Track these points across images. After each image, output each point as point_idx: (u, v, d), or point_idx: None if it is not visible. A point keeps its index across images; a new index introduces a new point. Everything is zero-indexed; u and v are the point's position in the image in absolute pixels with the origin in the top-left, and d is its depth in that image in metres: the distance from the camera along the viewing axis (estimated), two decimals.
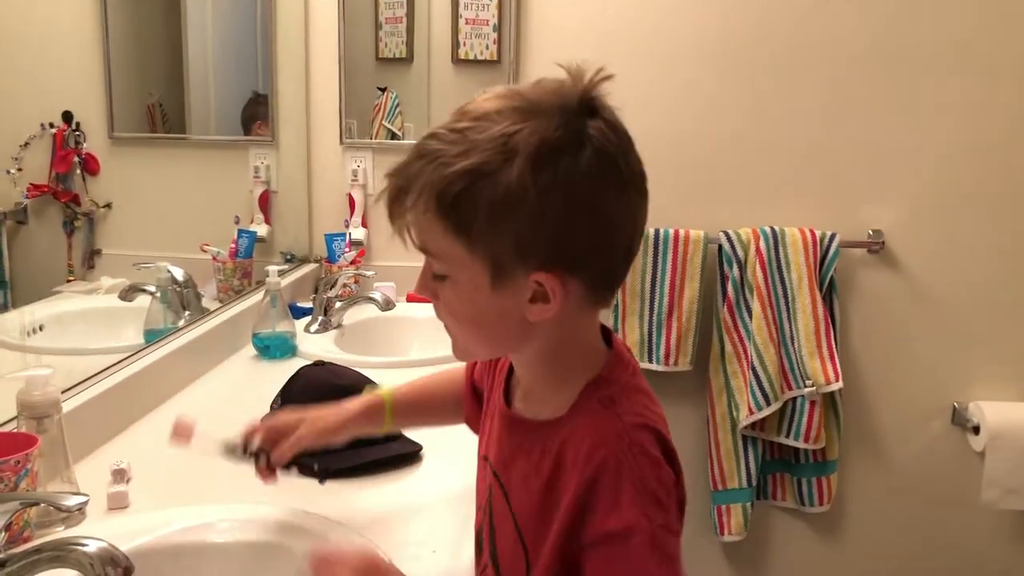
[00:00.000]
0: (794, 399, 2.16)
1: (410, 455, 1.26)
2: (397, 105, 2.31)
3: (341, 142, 2.30)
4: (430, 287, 0.79)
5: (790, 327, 2.16)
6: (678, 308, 2.19)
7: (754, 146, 2.23)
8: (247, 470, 1.07)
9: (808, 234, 2.16)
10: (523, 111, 0.72)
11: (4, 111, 1.30)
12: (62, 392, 1.14)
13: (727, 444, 2.24)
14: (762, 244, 2.15)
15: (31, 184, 1.34)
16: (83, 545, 0.76)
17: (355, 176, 2.30)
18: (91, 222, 1.46)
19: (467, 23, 2.23)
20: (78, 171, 1.43)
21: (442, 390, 1.09)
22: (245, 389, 1.61)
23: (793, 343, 2.15)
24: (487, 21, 2.22)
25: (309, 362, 1.53)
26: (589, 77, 0.74)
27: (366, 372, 1.43)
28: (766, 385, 2.13)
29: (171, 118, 1.83)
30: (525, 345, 0.79)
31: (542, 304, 0.74)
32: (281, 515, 1.04)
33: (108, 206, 1.49)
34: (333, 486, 1.17)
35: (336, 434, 1.04)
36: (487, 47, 2.23)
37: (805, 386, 2.14)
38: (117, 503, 1.11)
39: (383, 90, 2.31)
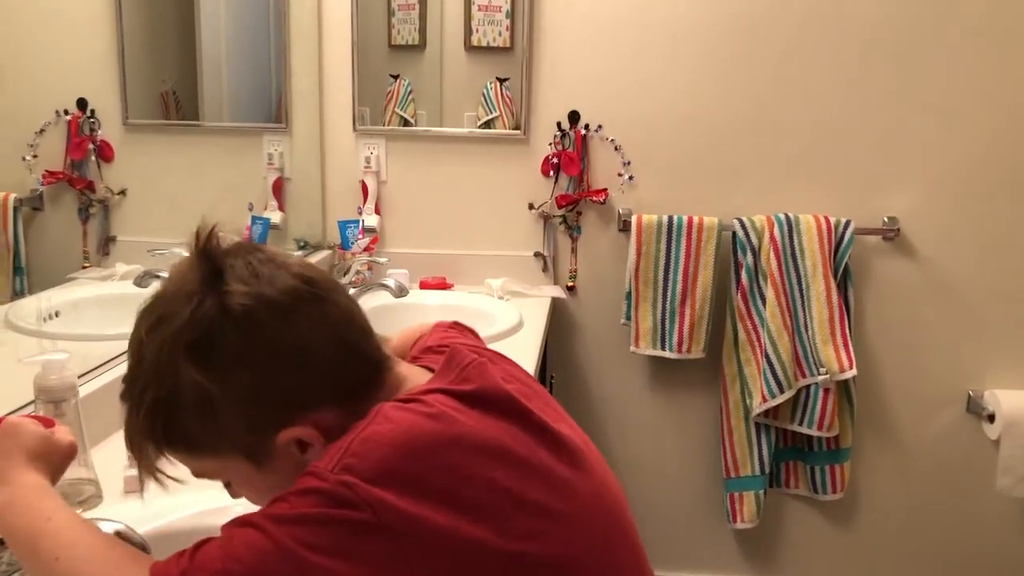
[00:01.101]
0: (808, 387, 2.15)
1: None
2: (410, 92, 2.30)
3: (354, 129, 2.30)
4: (231, 493, 0.81)
5: (804, 315, 2.14)
6: (691, 296, 2.18)
7: (769, 132, 2.21)
8: None
9: (823, 221, 2.14)
10: (159, 316, 0.72)
11: (20, 98, 1.30)
12: (78, 377, 1.15)
13: (740, 432, 2.24)
14: (776, 231, 2.14)
15: (46, 171, 1.34)
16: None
17: (368, 163, 2.29)
18: (106, 209, 1.46)
19: (480, 9, 2.22)
20: (93, 158, 1.44)
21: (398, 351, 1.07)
22: None
23: (807, 331, 2.14)
24: (500, 7, 2.20)
25: None
26: (198, 241, 0.73)
27: None
28: (780, 373, 2.12)
29: (184, 105, 1.83)
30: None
31: (311, 448, 0.73)
32: None
33: (123, 193, 1.49)
34: None
35: None
36: (500, 34, 2.22)
37: (819, 374, 2.12)
38: (133, 486, 1.11)
39: (395, 77, 2.30)
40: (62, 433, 0.83)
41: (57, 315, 1.38)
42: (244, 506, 1.02)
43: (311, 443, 0.73)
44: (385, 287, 2.01)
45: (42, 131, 1.32)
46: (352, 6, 2.23)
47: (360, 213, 2.30)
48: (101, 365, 1.33)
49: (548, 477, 0.73)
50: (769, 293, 2.13)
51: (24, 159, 1.29)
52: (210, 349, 0.70)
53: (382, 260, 2.20)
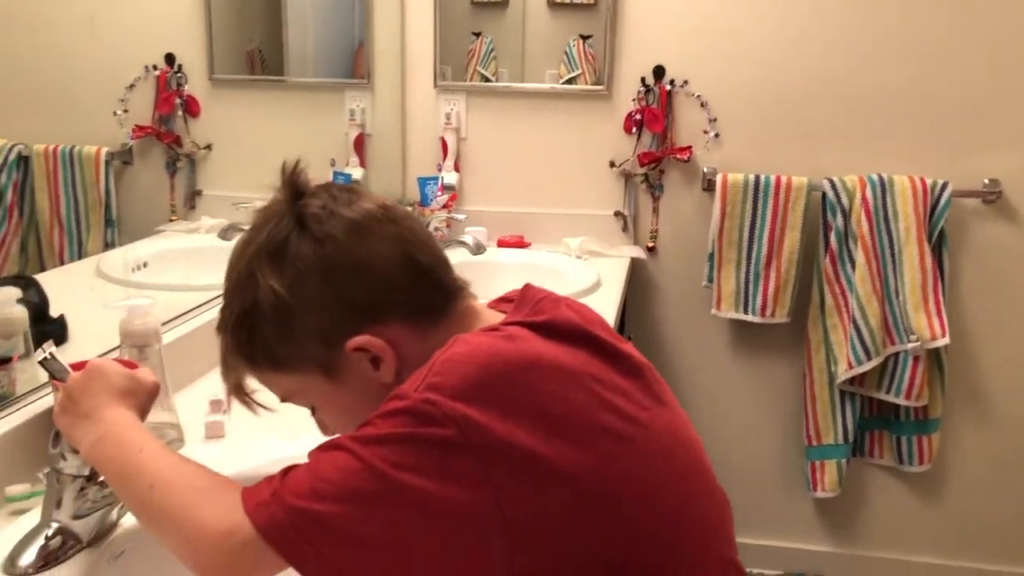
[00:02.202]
0: (896, 354, 2.08)
1: None
2: (492, 50, 2.28)
3: (435, 85, 2.28)
4: (318, 425, 0.84)
5: (895, 280, 2.06)
6: (777, 258, 2.12)
7: (864, 87, 2.11)
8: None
9: (918, 182, 2.05)
10: (245, 241, 0.77)
11: (111, 54, 1.33)
12: (163, 324, 1.18)
13: (823, 399, 2.18)
14: (868, 192, 2.05)
15: (136, 125, 1.37)
16: None
17: (448, 119, 2.28)
18: (192, 163, 1.49)
19: None
20: (180, 113, 1.46)
21: None
22: None
23: (898, 296, 2.06)
24: None
25: None
26: (286, 172, 0.78)
27: None
28: (867, 339, 2.05)
29: (270, 62, 1.85)
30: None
31: (383, 364, 0.76)
32: None
33: (208, 147, 1.52)
34: None
35: None
36: None
37: (909, 341, 2.05)
38: (214, 432, 1.15)
39: (477, 35, 2.28)
40: (145, 373, 0.86)
41: (145, 266, 1.42)
42: None
43: (382, 357, 0.75)
44: (463, 244, 2.01)
45: (132, 86, 1.35)
46: None
47: (439, 170, 2.30)
48: (184, 313, 1.37)
49: (627, 399, 0.73)
50: (859, 257, 2.05)
51: (115, 114, 1.32)
52: (283, 257, 0.74)
53: (460, 217, 2.19)
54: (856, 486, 2.32)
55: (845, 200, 2.08)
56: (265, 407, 0.82)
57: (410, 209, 2.29)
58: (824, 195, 2.10)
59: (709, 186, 2.16)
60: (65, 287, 1.24)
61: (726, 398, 2.34)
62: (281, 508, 0.65)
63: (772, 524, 2.38)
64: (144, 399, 0.83)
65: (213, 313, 1.40)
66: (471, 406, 0.65)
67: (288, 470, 0.68)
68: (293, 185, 0.77)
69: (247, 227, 0.79)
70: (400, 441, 0.65)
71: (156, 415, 1.07)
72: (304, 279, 0.74)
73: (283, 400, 0.81)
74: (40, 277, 1.19)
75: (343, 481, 0.65)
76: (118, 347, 1.10)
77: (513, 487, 0.65)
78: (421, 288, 0.78)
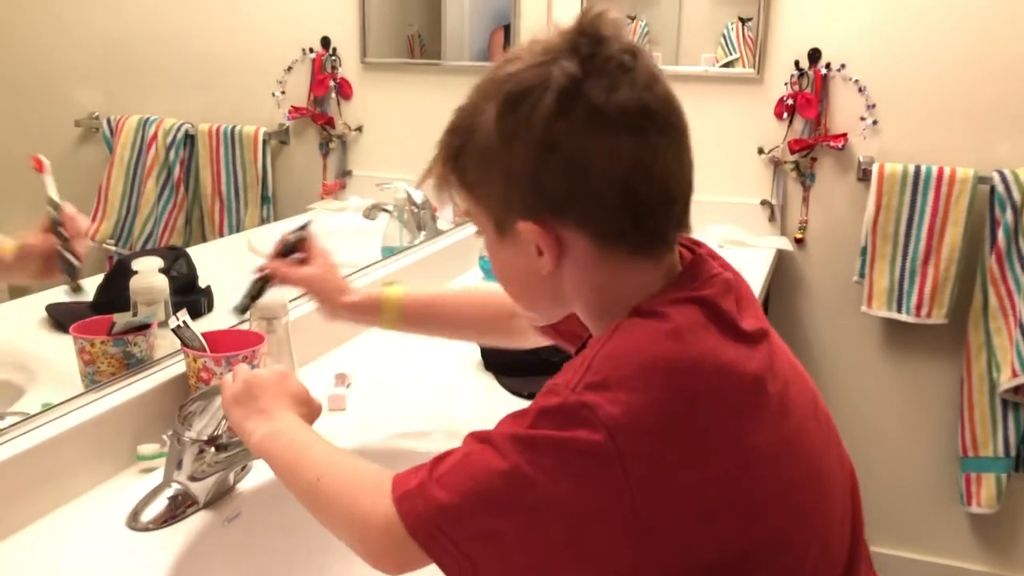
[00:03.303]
0: None
1: None
2: (646, 33, 2.29)
3: None
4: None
5: None
6: (936, 254, 2.03)
7: None
8: (462, 384, 1.19)
9: None
10: (500, 65, 0.73)
11: (272, 37, 1.43)
12: (296, 299, 1.26)
13: (983, 408, 2.08)
14: None
15: (292, 106, 1.47)
16: None
17: None
18: (344, 144, 1.59)
19: None
20: (333, 95, 1.56)
21: (464, 305, 1.15)
22: None
23: None
24: None
25: None
26: (581, 16, 0.71)
27: None
28: None
29: (429, 46, 1.94)
30: (563, 302, 0.79)
31: (543, 259, 0.73)
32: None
33: (359, 129, 1.61)
34: None
35: (332, 309, 1.11)
36: None
37: None
38: (336, 405, 1.21)
39: (632, 19, 2.29)
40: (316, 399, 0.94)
41: None
42: (437, 435, 1.10)
43: (544, 252, 0.73)
44: None
45: (290, 68, 1.45)
46: None
47: None
48: None
49: (781, 403, 0.71)
50: None
51: (273, 95, 1.43)
52: (515, 109, 0.70)
53: None
54: (1017, 504, 2.20)
55: (1017, 195, 1.97)
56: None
57: None
58: (993, 188, 2.00)
59: (864, 176, 2.09)
60: (218, 259, 1.35)
61: (875, 400, 2.26)
62: (424, 501, 0.69)
63: (919, 536, 2.29)
64: (310, 414, 0.91)
65: None
66: (625, 413, 0.64)
67: (441, 459, 0.72)
68: (584, 32, 0.71)
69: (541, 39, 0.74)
70: (549, 445, 0.66)
71: None
72: (517, 140, 0.70)
73: (464, 215, 0.84)
74: (196, 249, 1.30)
75: (487, 482, 0.67)
76: (247, 320, 1.16)
77: (651, 495, 0.65)
78: (622, 218, 0.71)
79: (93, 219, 1.21)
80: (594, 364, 0.68)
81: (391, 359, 1.40)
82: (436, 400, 1.26)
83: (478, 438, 0.71)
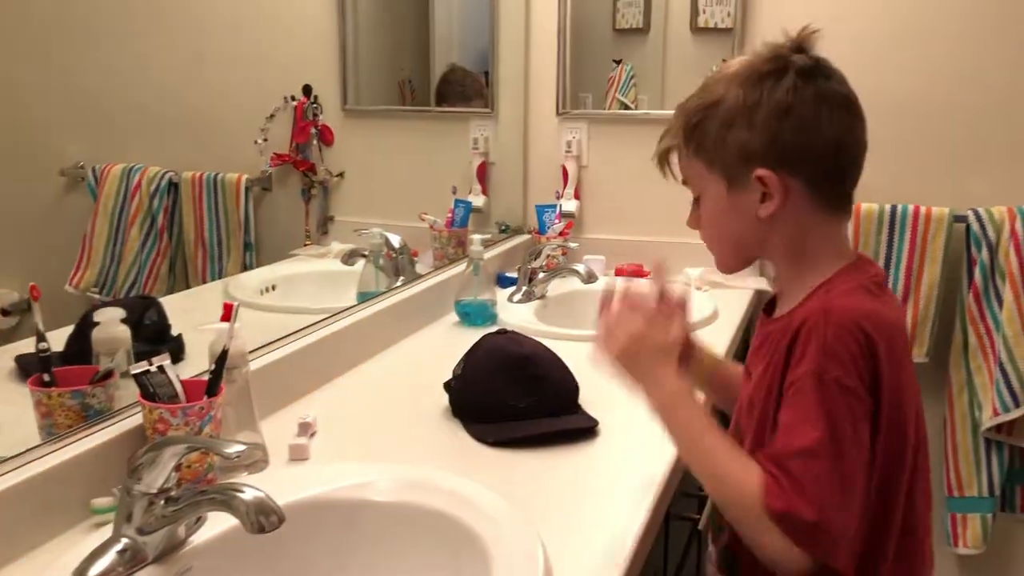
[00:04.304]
0: None
1: (585, 431, 1.30)
2: (632, 77, 2.38)
3: (557, 113, 2.40)
4: (694, 217, 1.06)
5: None
6: (915, 293, 2.11)
7: (1010, 110, 2.09)
8: (428, 431, 1.24)
9: None
10: (742, 63, 0.99)
11: (254, 85, 1.49)
12: (267, 345, 1.29)
13: (966, 447, 2.14)
14: (1019, 224, 2.02)
15: (274, 153, 1.53)
16: (242, 492, 0.85)
17: (569, 147, 2.39)
18: (325, 190, 1.65)
19: None
20: (315, 142, 1.62)
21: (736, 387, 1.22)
22: (441, 353, 1.67)
23: None
24: None
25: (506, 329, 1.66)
26: (800, 31, 0.97)
27: (558, 344, 1.49)
28: (1015, 384, 2.01)
29: (419, 91, 2.02)
30: (768, 245, 1.01)
31: (769, 201, 0.96)
32: (443, 481, 1.09)
33: (341, 175, 1.67)
34: (504, 455, 1.24)
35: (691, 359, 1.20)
36: (729, 14, 2.23)
37: None
38: (298, 455, 1.22)
39: (618, 63, 2.38)
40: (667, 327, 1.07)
41: (274, 288, 1.58)
42: (389, 483, 1.10)
43: (773, 195, 0.96)
44: (575, 272, 2.10)
45: (272, 116, 1.52)
46: None
47: (558, 197, 2.40)
48: (293, 332, 1.48)
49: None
50: (1007, 294, 2.03)
51: (256, 142, 1.49)
52: (761, 83, 0.95)
53: (573, 245, 2.28)
54: (1004, 544, 2.25)
55: (992, 233, 2.06)
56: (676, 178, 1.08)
57: (528, 237, 2.40)
58: (968, 227, 2.09)
59: None
60: (195, 307, 1.38)
61: None
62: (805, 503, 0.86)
63: None
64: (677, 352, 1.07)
65: (319, 334, 1.52)
66: (865, 370, 0.89)
67: (787, 472, 0.87)
68: (799, 41, 0.97)
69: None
70: (842, 401, 0.88)
71: (241, 436, 1.16)
72: (762, 105, 0.95)
73: (683, 182, 1.06)
74: (174, 297, 1.34)
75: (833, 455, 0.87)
76: (208, 370, 1.15)
77: (883, 411, 0.92)
78: (832, 172, 0.98)
79: (77, 268, 1.25)
80: (828, 340, 0.90)
81: (358, 408, 1.42)
82: (401, 450, 1.28)
83: (805, 455, 0.88)
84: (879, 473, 0.94)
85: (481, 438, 1.28)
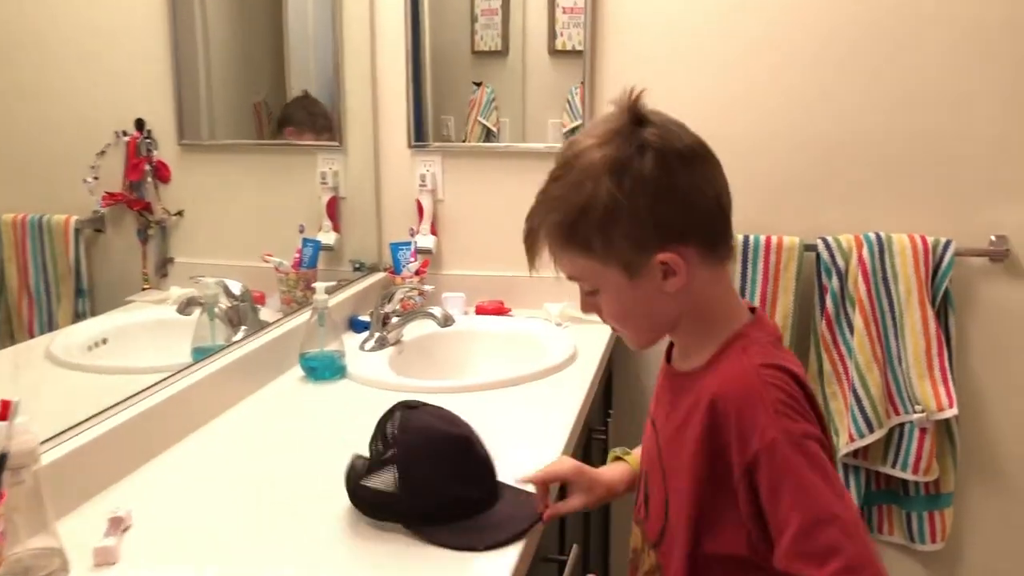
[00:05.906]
0: (901, 425, 2.20)
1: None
2: (493, 100, 2.45)
3: (409, 145, 2.45)
4: (589, 304, 1.10)
5: (897, 345, 2.19)
6: None
7: (857, 142, 2.24)
8: (255, 529, 1.20)
9: (919, 241, 2.18)
10: (584, 148, 1.03)
11: (80, 120, 1.48)
12: (84, 421, 1.24)
13: None
14: (865, 252, 2.18)
15: (106, 192, 1.52)
16: None
17: (423, 181, 2.44)
18: (163, 230, 1.64)
19: (564, 12, 2.34)
20: (150, 179, 1.61)
21: None
22: (287, 416, 1.66)
23: (900, 363, 2.19)
24: (583, 9, 2.32)
25: (364, 387, 1.73)
26: (627, 98, 1.03)
27: (418, 397, 1.37)
28: (868, 410, 2.17)
29: (276, 116, 2.02)
30: (672, 320, 1.08)
31: (673, 278, 1.02)
32: None
33: (180, 214, 1.67)
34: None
35: (612, 497, 1.30)
36: (588, 37, 2.33)
37: (914, 411, 2.17)
38: (104, 559, 1.11)
39: (479, 85, 2.46)
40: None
41: (104, 343, 1.53)
42: None
43: (676, 271, 1.01)
44: (430, 315, 2.07)
45: (102, 153, 1.51)
46: (405, 16, 2.38)
47: (413, 234, 2.44)
48: (116, 405, 1.42)
49: None
50: (857, 321, 2.18)
51: (85, 181, 1.47)
52: (626, 172, 1.00)
53: (428, 287, 2.29)
54: None
55: (840, 261, 2.22)
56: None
57: (384, 275, 2.43)
58: (818, 255, 2.24)
59: None
60: (5, 372, 1.28)
61: None
62: None
63: None
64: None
65: (134, 411, 1.42)
66: (812, 411, 0.99)
67: (821, 553, 0.92)
68: (635, 112, 1.03)
69: (581, 133, 1.09)
70: (816, 466, 0.95)
71: (33, 543, 1.05)
72: (637, 193, 0.99)
73: (570, 278, 1.09)
74: None
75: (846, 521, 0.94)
76: None
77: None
78: (720, 225, 1.05)
79: None
80: (778, 406, 0.97)
81: (186, 493, 1.33)
82: (228, 546, 1.17)
83: (824, 518, 0.93)
84: None
85: (468, 546, 1.16)
